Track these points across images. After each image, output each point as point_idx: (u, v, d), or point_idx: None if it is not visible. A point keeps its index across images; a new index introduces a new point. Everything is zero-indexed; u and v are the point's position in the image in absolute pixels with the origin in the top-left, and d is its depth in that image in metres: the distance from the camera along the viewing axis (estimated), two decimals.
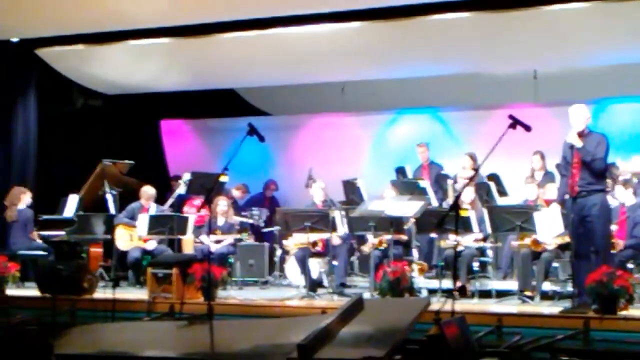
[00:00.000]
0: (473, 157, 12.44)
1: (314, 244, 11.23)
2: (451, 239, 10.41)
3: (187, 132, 17.91)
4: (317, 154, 15.86)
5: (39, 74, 14.60)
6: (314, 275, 11.53)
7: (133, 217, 12.41)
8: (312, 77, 14.88)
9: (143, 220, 11.97)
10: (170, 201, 13.39)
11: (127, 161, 13.92)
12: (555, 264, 10.47)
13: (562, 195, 9.26)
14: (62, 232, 12.80)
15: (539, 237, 10.19)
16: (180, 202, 13.64)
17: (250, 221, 13.54)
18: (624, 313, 8.39)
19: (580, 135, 8.97)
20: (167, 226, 11.76)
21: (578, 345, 8.05)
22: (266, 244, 13.24)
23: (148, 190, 12.80)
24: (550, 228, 9.83)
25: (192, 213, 12.65)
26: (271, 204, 14.56)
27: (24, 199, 12.73)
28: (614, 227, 10.15)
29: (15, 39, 13.95)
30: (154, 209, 12.64)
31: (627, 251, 10.09)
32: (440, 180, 12.94)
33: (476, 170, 9.58)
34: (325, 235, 11.11)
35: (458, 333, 5.06)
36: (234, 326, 6.55)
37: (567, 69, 14.27)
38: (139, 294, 11.17)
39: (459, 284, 10.29)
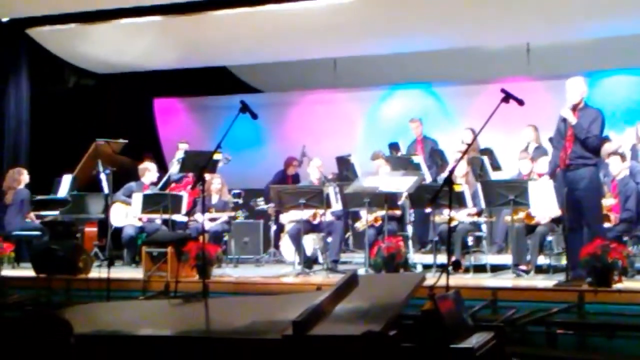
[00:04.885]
0: (474, 132, 12.41)
1: (314, 215, 11.28)
2: (445, 214, 10.41)
3: (180, 110, 17.90)
4: (310, 130, 15.85)
5: (30, 54, 14.56)
6: (309, 252, 11.54)
7: (130, 196, 12.42)
8: (304, 53, 14.85)
9: (137, 200, 11.95)
10: (164, 179, 13.35)
11: (120, 140, 13.90)
12: (549, 238, 10.47)
13: (553, 169, 9.26)
14: (57, 212, 12.81)
15: (533, 212, 10.20)
16: (177, 182, 13.57)
17: (240, 201, 13.43)
18: (618, 286, 8.39)
19: (576, 108, 8.92)
20: (161, 205, 11.77)
21: (573, 319, 8.07)
22: (261, 221, 13.21)
23: (149, 166, 12.79)
24: (543, 203, 9.81)
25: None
26: (294, 183, 13.45)
27: (23, 179, 12.69)
28: (612, 201, 10.16)
29: (5, 19, 13.89)
30: (151, 189, 12.61)
31: (621, 225, 10.11)
32: (434, 156, 12.93)
33: (469, 145, 9.54)
34: (320, 211, 11.12)
35: (453, 308, 5.05)
36: (229, 304, 6.53)
37: (560, 42, 14.24)
38: (134, 273, 11.18)
39: (453, 258, 10.30)
